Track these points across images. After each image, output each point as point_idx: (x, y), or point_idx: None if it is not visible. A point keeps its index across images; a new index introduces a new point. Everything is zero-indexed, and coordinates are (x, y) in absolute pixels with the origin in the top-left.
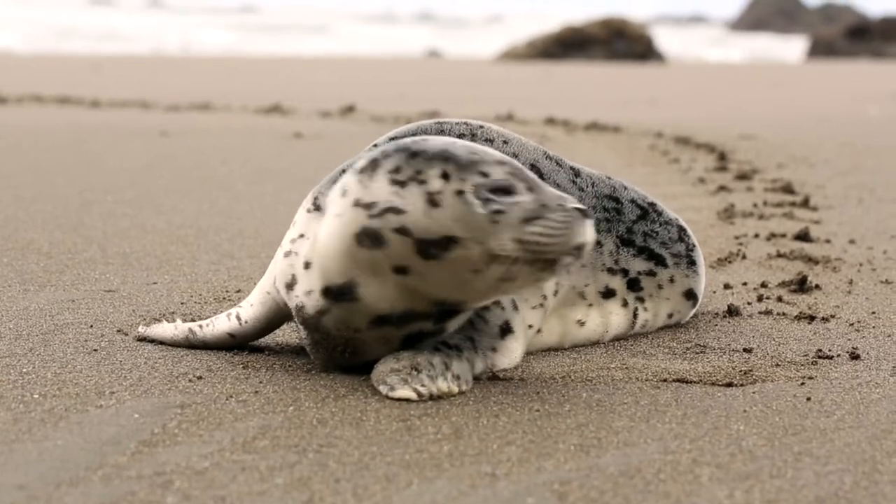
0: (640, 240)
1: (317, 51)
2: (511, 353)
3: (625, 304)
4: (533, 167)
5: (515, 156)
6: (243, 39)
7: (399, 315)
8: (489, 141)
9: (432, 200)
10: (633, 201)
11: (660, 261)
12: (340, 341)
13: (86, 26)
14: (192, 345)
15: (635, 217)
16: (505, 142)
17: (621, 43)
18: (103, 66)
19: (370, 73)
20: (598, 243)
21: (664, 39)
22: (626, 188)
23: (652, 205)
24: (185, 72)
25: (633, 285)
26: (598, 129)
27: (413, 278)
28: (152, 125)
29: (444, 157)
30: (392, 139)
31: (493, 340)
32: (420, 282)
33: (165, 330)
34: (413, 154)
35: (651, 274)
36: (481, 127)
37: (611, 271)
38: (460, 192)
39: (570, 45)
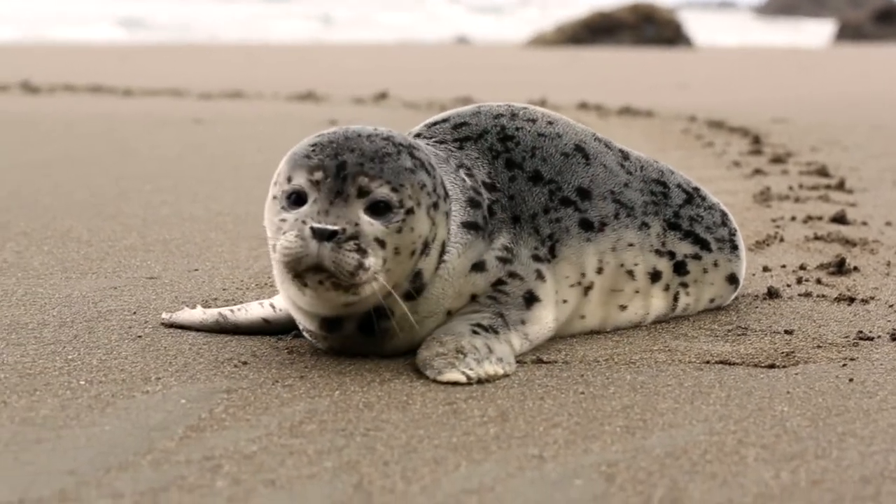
0: (686, 224)
1: (346, 37)
2: (541, 321)
3: (667, 287)
4: (578, 148)
5: (559, 136)
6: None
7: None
8: (531, 121)
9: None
10: (679, 186)
11: (704, 245)
12: None
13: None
14: (222, 328)
15: (681, 201)
16: (550, 122)
17: (650, 28)
18: (132, 55)
19: (401, 60)
20: (646, 225)
21: (693, 24)
22: (672, 172)
23: (696, 189)
24: (214, 59)
25: (680, 268)
26: (630, 114)
27: None
28: (185, 113)
29: (287, 158)
30: (431, 126)
31: (521, 312)
32: None
33: (193, 315)
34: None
35: (696, 258)
36: (525, 108)
37: (658, 253)
38: (273, 196)
39: (598, 30)
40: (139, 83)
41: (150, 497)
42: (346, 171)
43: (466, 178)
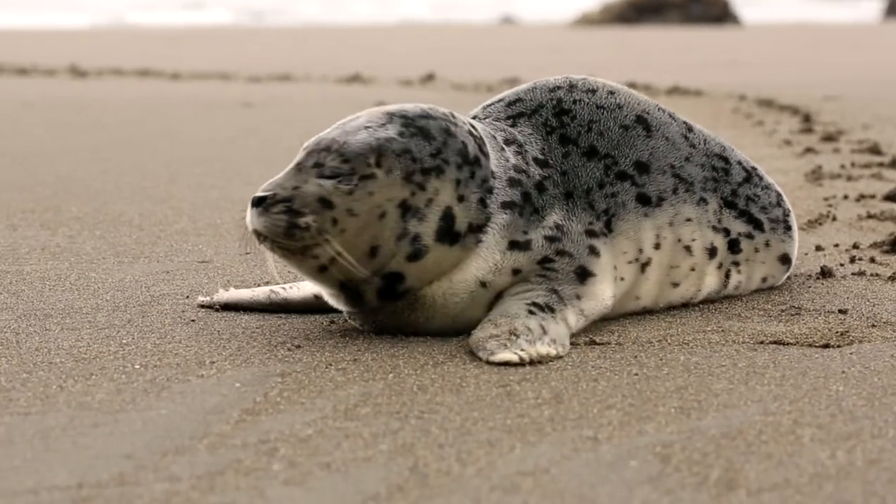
0: (742, 203)
1: (390, 18)
2: (597, 297)
3: (720, 265)
4: (640, 119)
5: (619, 107)
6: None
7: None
8: (591, 91)
9: None
10: (739, 163)
11: (758, 225)
12: None
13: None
14: (273, 304)
15: (741, 179)
16: (611, 92)
17: (697, 6)
18: (182, 39)
19: (446, 41)
20: (704, 200)
21: (740, 1)
22: (733, 149)
23: (754, 168)
24: (261, 42)
25: (733, 246)
26: (680, 93)
27: None
28: (234, 97)
29: None
30: (486, 107)
31: (575, 287)
32: None
33: (241, 294)
34: None
35: (749, 237)
36: (584, 79)
37: (714, 229)
38: None
39: (644, 8)
40: (187, 66)
41: (206, 481)
42: (314, 148)
43: (512, 157)
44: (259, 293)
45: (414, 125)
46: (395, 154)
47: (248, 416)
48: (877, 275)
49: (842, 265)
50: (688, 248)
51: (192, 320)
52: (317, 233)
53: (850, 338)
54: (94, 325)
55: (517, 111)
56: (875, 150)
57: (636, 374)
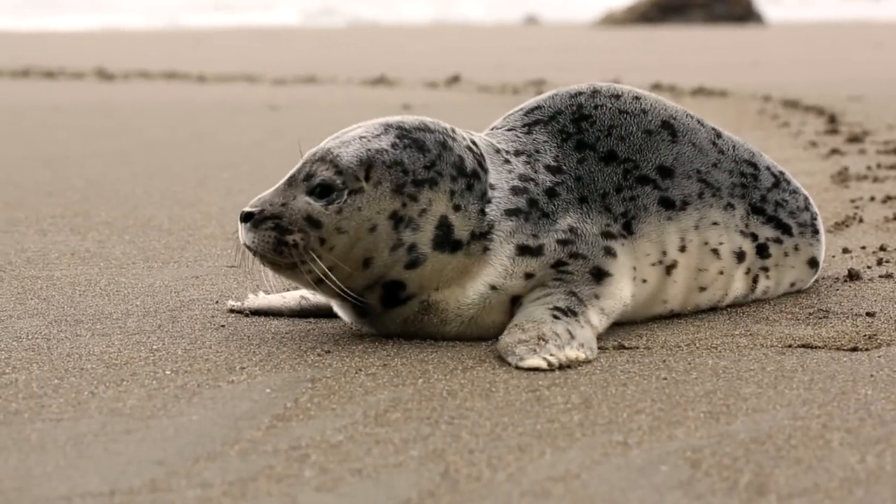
0: (770, 208)
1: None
2: (615, 296)
3: (748, 270)
4: (665, 125)
5: (644, 112)
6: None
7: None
8: (615, 96)
9: None
10: (768, 168)
11: (787, 230)
12: None
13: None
14: (304, 309)
15: (770, 185)
16: (637, 97)
17: (721, 5)
18: (207, 40)
19: (471, 42)
20: (731, 206)
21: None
22: (761, 154)
23: (782, 172)
24: (286, 44)
25: (762, 251)
26: (704, 94)
27: None
28: (260, 99)
29: None
30: (507, 116)
31: (592, 287)
32: None
33: (272, 300)
34: None
35: (778, 242)
36: (611, 85)
37: (742, 234)
38: None
39: (668, 8)
40: (213, 69)
41: (238, 487)
42: (309, 158)
43: (520, 166)
44: (290, 298)
45: (409, 137)
46: (385, 166)
47: (278, 422)
48: None
49: (869, 267)
50: (715, 252)
51: (222, 325)
52: (304, 251)
53: (879, 341)
54: (124, 330)
55: (534, 119)
56: None
57: (665, 379)
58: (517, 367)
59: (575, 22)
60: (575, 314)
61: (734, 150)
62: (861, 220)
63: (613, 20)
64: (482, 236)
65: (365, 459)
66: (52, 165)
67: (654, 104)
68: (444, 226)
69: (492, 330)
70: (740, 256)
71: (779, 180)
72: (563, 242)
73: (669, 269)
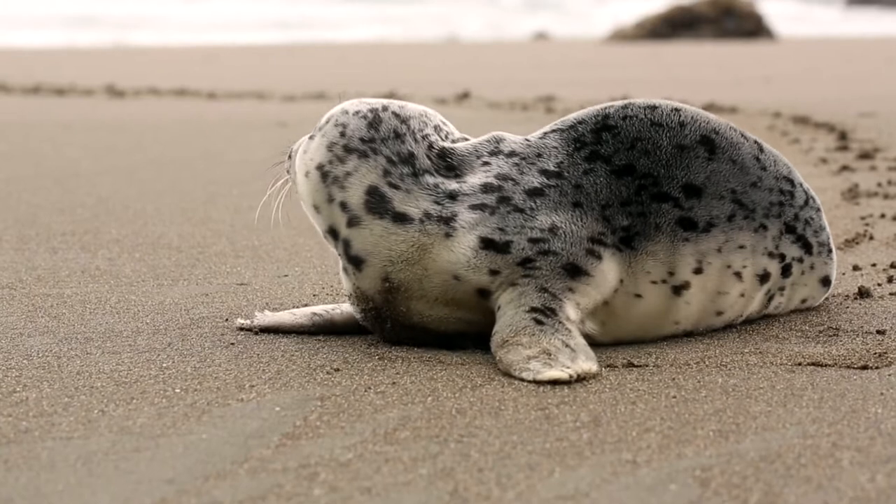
0: (801, 227)
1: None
2: (589, 295)
3: (768, 291)
4: (704, 140)
5: (682, 126)
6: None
7: None
8: (651, 108)
9: None
10: (801, 185)
11: (808, 249)
12: None
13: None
14: (315, 326)
15: (802, 202)
16: (676, 109)
17: (731, 20)
18: (217, 57)
19: (480, 58)
20: (764, 227)
21: (774, 15)
22: (795, 170)
23: (808, 190)
24: (295, 60)
25: (786, 270)
26: (714, 110)
27: None
28: (270, 116)
29: None
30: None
31: (566, 281)
32: None
33: (281, 317)
34: None
35: (800, 261)
36: (650, 100)
37: (770, 255)
38: None
39: (678, 24)
40: (223, 86)
41: None
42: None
43: (503, 166)
44: (300, 315)
45: (376, 113)
46: (333, 124)
47: (288, 441)
48: None
49: (879, 285)
50: (738, 275)
51: (232, 343)
52: (286, 172)
53: (889, 359)
54: (134, 348)
55: (553, 127)
56: None
57: (674, 397)
58: (535, 381)
59: (584, 37)
60: (554, 312)
61: (775, 166)
62: (871, 238)
63: (623, 36)
64: (443, 220)
65: (374, 478)
66: (63, 183)
67: (694, 117)
68: (375, 193)
69: (457, 320)
70: (764, 278)
71: (808, 197)
72: (534, 241)
73: (679, 289)
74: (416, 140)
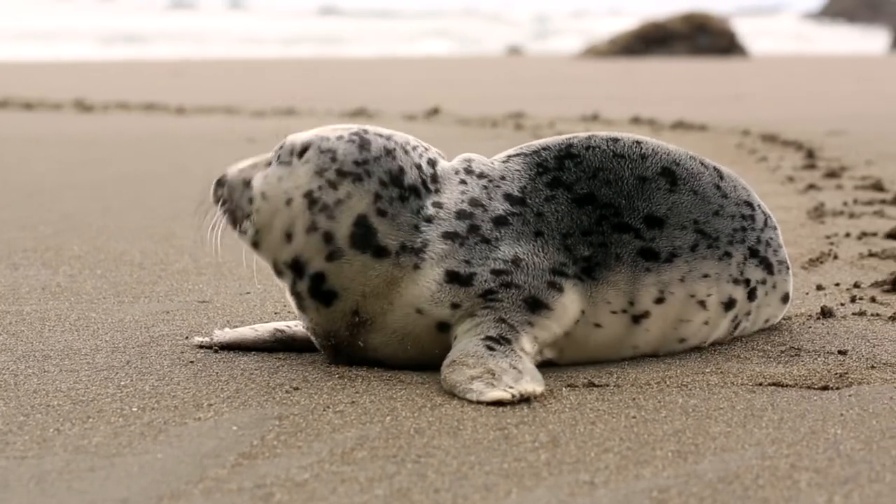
0: (763, 249)
1: (395, 51)
2: (549, 329)
3: (735, 318)
4: (665, 172)
5: (643, 158)
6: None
7: None
8: (613, 140)
9: None
10: (759, 206)
11: (770, 269)
12: None
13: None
14: (278, 342)
15: (762, 224)
16: (637, 142)
17: (704, 37)
18: (187, 71)
19: (452, 73)
20: (728, 255)
21: (746, 32)
22: (752, 191)
23: (765, 210)
24: (265, 76)
25: (752, 294)
26: (684, 128)
27: None
28: (239, 132)
29: None
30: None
31: (526, 315)
32: None
33: (244, 333)
34: None
35: (764, 283)
36: (613, 133)
37: (735, 282)
38: None
39: (651, 41)
40: (192, 100)
41: None
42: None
43: (475, 189)
44: (262, 331)
45: (360, 136)
46: (319, 150)
47: (244, 460)
48: (877, 315)
49: (842, 304)
50: (702, 303)
51: (191, 361)
52: (235, 206)
53: (850, 379)
54: (92, 366)
55: (517, 151)
56: (878, 186)
57: (634, 417)
58: (479, 402)
59: (557, 53)
60: (508, 342)
61: (735, 192)
62: (836, 257)
63: (596, 52)
64: (414, 252)
65: (330, 498)
66: (28, 199)
67: (655, 150)
68: (362, 225)
69: (417, 351)
70: (729, 305)
71: (766, 217)
72: (497, 273)
73: (639, 318)
74: (406, 152)
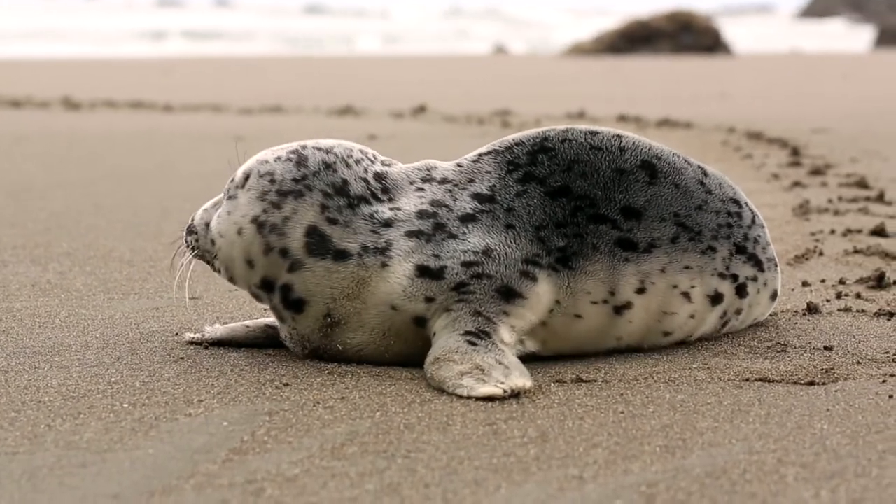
0: (751, 246)
1: (383, 49)
2: (525, 318)
3: (723, 314)
4: (645, 165)
5: (622, 151)
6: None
7: None
8: (591, 133)
9: None
10: (746, 203)
11: (760, 266)
12: None
13: (155, 28)
14: (269, 337)
15: (750, 221)
16: (617, 136)
17: (688, 36)
18: (175, 69)
19: (439, 72)
20: (712, 249)
21: (731, 30)
22: (739, 188)
23: (753, 208)
24: (253, 73)
25: (741, 290)
26: (669, 126)
27: None
28: (226, 129)
29: None
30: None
31: (500, 304)
32: None
33: (235, 329)
34: None
35: (754, 280)
36: (592, 127)
37: (721, 276)
38: None
39: (636, 39)
40: (180, 98)
41: None
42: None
43: (436, 192)
44: (254, 327)
45: (298, 153)
46: (258, 175)
47: (235, 456)
48: (862, 311)
49: (828, 301)
50: (686, 295)
51: (181, 358)
52: (202, 250)
53: (836, 375)
54: (83, 363)
55: (489, 149)
56: (862, 183)
57: (622, 413)
58: (470, 398)
59: (543, 51)
60: (488, 335)
61: (720, 188)
62: (821, 254)
63: (581, 50)
64: (379, 251)
65: (321, 493)
66: (16, 196)
67: (635, 144)
68: (315, 233)
69: (401, 347)
70: (716, 299)
71: (754, 215)
72: (467, 265)
73: (620, 309)
74: (347, 165)
